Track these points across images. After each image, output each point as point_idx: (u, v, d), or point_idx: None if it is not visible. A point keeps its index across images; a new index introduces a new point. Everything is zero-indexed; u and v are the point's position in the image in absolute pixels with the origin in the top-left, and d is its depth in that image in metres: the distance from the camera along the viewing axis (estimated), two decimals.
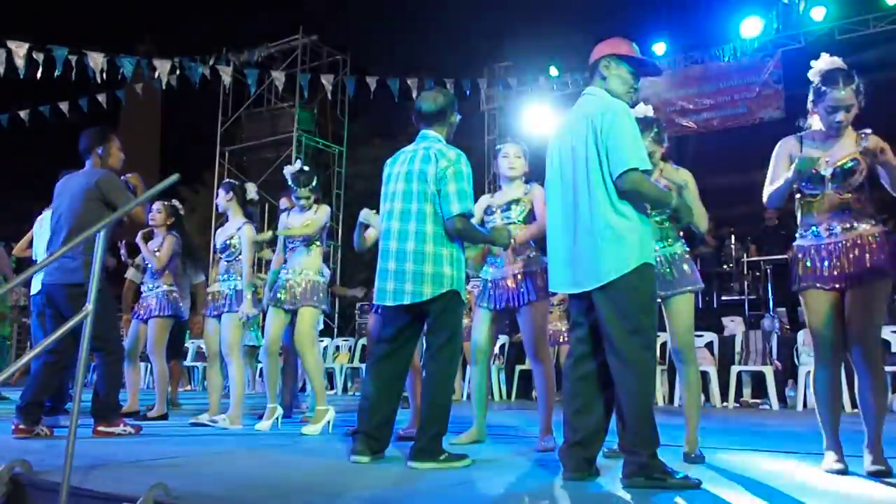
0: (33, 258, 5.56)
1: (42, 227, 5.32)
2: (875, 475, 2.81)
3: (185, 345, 9.87)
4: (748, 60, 11.32)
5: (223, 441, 3.97)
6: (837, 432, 2.99)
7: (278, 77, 11.67)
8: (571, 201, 2.77)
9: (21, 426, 3.93)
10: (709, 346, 7.62)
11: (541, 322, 3.81)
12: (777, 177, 3.11)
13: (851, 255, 2.92)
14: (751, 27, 10.83)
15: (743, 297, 9.12)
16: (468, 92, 11.62)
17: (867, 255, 2.90)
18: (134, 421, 5.31)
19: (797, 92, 11.20)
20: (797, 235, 3.12)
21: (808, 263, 3.01)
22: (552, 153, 2.93)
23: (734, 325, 8.13)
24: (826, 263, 2.96)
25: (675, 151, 7.08)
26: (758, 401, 7.26)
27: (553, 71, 12.56)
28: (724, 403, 7.27)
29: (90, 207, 4.06)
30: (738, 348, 7.51)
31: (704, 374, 7.53)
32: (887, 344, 6.58)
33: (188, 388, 10.50)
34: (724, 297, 9.39)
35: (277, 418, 4.69)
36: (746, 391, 7.40)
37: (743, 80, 11.34)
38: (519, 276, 3.81)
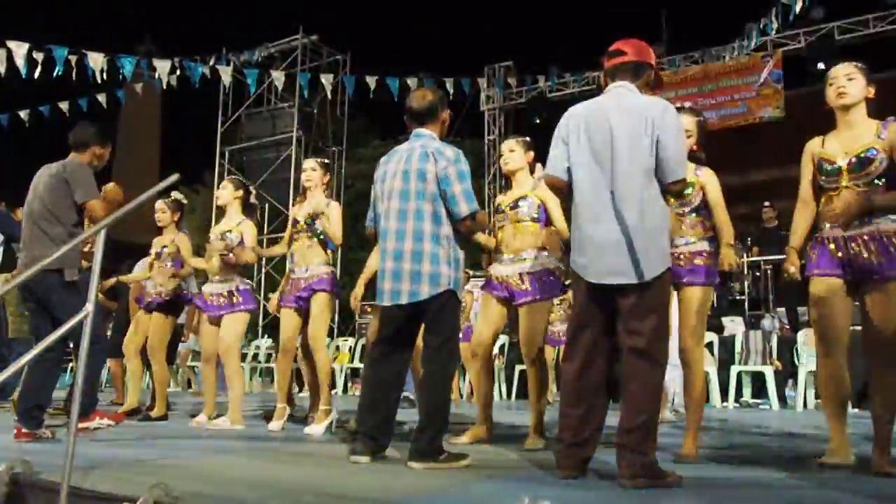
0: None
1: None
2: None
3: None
4: (748, 60, 11.33)
5: (223, 441, 3.97)
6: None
7: (278, 77, 11.66)
8: (609, 188, 2.64)
9: (23, 430, 3.83)
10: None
11: (537, 324, 3.80)
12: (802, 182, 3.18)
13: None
14: (751, 27, 10.84)
15: (743, 297, 9.12)
16: (468, 92, 11.62)
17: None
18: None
19: (797, 92, 11.25)
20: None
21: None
22: (580, 132, 2.73)
23: (734, 325, 8.15)
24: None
25: None
26: (758, 401, 7.26)
27: (553, 71, 12.56)
28: (724, 403, 7.27)
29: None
30: (738, 348, 7.51)
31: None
32: None
33: (182, 387, 10.49)
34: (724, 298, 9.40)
35: (285, 418, 4.63)
36: (746, 391, 7.41)
37: (743, 80, 11.35)
38: (524, 276, 3.80)
